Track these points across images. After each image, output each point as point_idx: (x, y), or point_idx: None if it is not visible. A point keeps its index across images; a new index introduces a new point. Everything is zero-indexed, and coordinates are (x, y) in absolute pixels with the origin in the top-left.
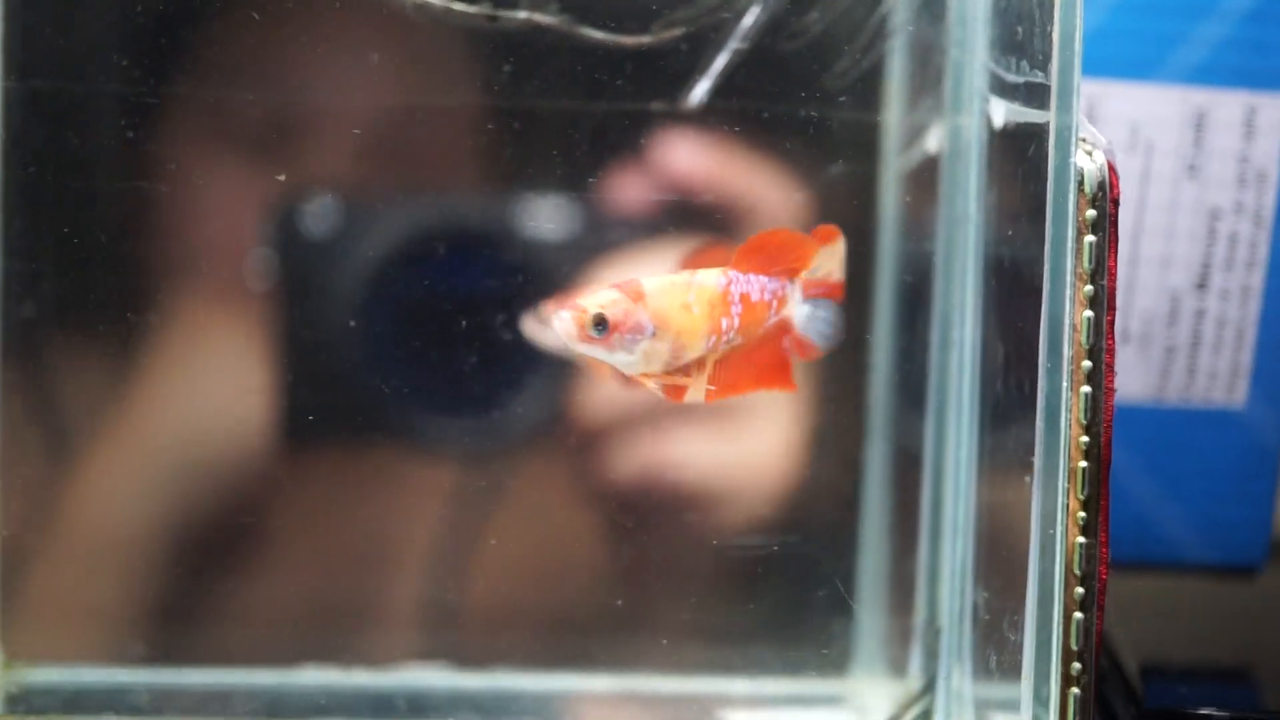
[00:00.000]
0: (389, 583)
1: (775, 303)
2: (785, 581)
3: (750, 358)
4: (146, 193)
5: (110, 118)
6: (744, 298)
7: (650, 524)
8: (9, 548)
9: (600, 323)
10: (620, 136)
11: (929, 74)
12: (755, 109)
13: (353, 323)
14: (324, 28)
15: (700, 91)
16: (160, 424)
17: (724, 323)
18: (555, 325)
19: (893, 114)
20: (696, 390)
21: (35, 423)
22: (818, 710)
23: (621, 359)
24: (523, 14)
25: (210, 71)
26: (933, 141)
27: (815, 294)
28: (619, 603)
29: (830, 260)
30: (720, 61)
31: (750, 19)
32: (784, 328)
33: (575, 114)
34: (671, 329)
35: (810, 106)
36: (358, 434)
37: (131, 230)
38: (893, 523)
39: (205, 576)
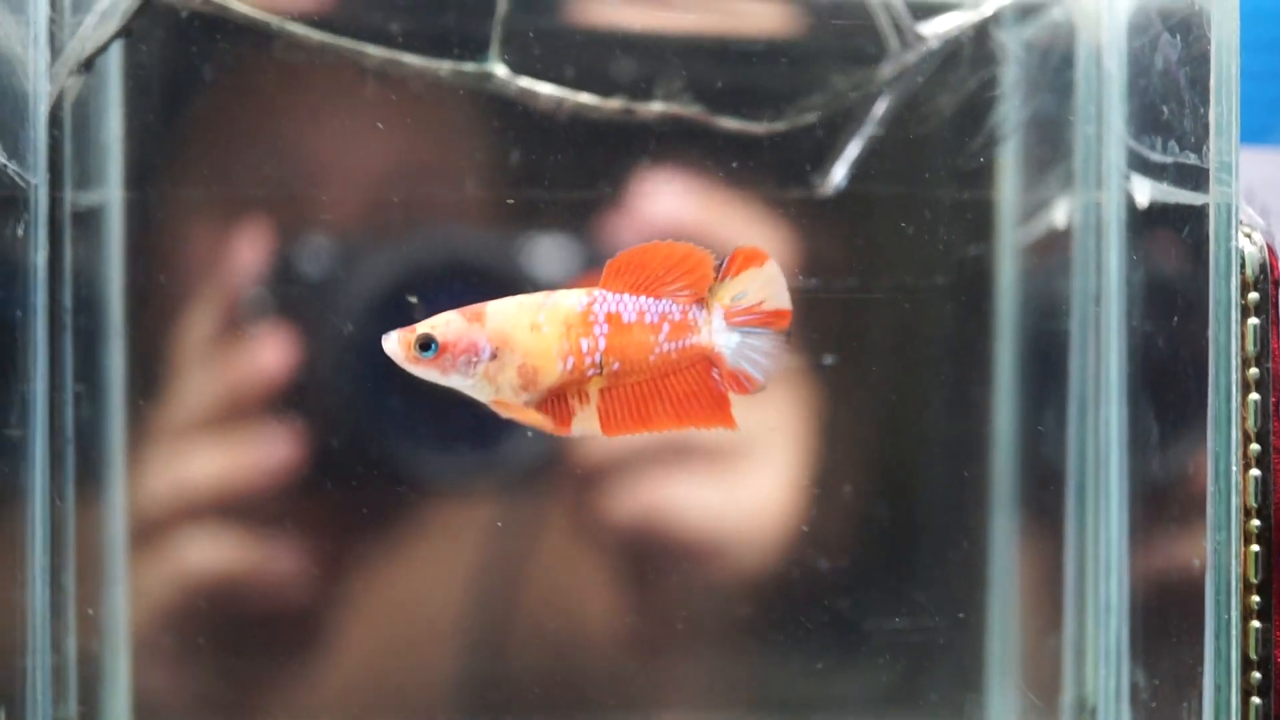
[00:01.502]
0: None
1: (667, 326)
2: (909, 657)
3: (662, 389)
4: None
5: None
6: (612, 318)
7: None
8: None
9: (426, 343)
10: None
11: (1055, 149)
12: (881, 191)
13: None
14: (462, 129)
15: (834, 176)
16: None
17: (584, 344)
18: (385, 347)
19: (1014, 190)
20: (585, 422)
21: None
22: None
23: (459, 382)
24: (658, 105)
25: (345, 174)
26: (1060, 217)
27: (745, 322)
28: (739, 676)
29: (763, 286)
30: (852, 146)
31: (881, 104)
32: (705, 358)
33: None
34: (516, 350)
35: (933, 186)
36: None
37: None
38: (1026, 598)
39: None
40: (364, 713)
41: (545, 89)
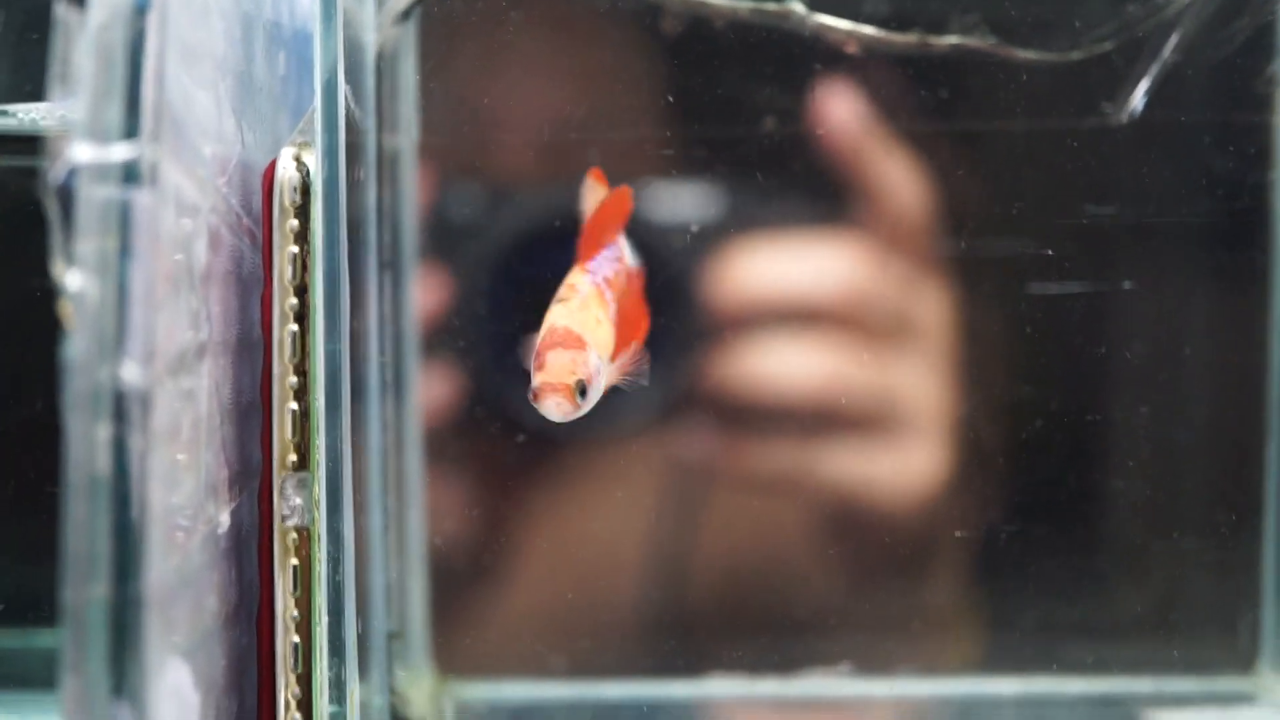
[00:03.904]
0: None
1: (619, 264)
2: (1182, 575)
3: (629, 319)
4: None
5: None
6: (608, 281)
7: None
8: (439, 563)
9: (584, 389)
10: (1048, 156)
11: None
12: (1172, 118)
13: None
14: (768, 66)
15: (1130, 104)
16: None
17: (610, 310)
18: (550, 409)
19: None
20: (616, 373)
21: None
22: (1232, 707)
23: (594, 400)
24: (953, 38)
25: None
26: None
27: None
28: (1024, 606)
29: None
30: (1147, 74)
31: (1176, 30)
32: (637, 276)
33: (1007, 135)
34: (603, 348)
35: (1223, 112)
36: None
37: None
38: None
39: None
40: (553, 631)
41: (841, 24)
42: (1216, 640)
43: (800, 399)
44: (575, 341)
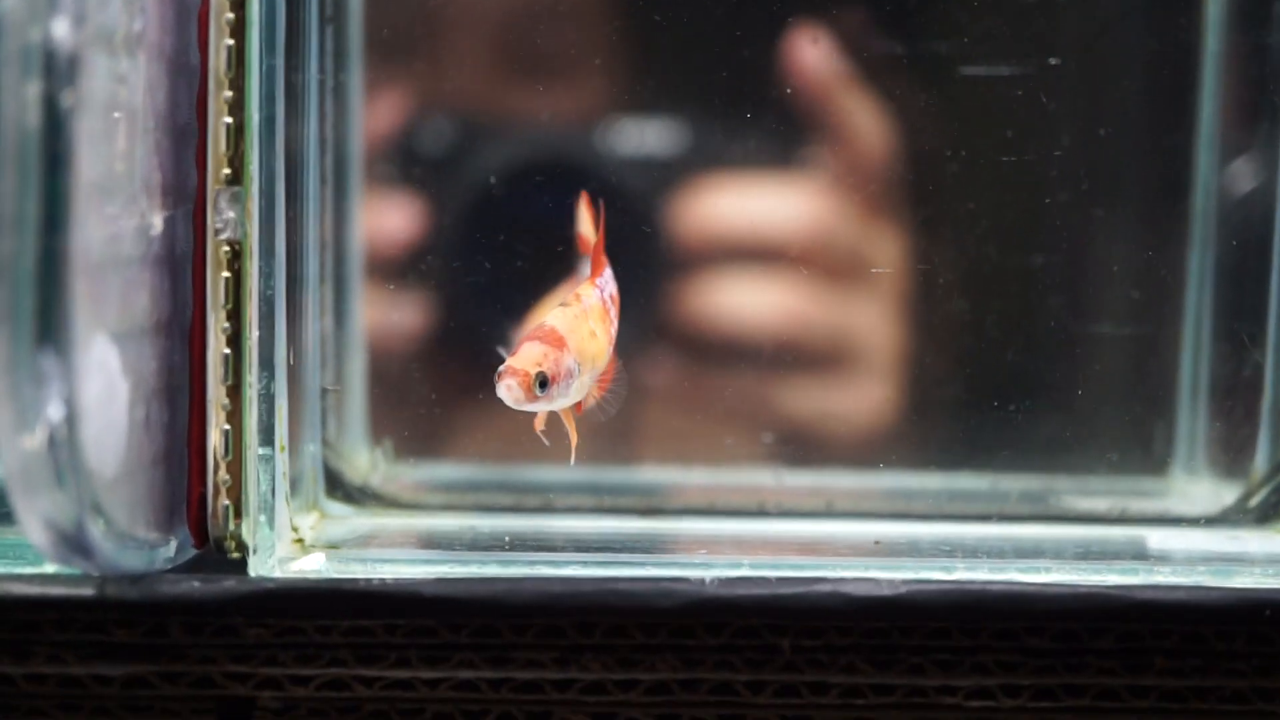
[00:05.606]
0: None
1: (615, 286)
2: (1101, 377)
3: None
4: None
5: None
6: (613, 298)
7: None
8: (377, 348)
9: (544, 382)
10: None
11: None
12: None
13: None
14: None
15: None
16: None
17: (612, 330)
18: (503, 394)
19: None
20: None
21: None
22: (1141, 501)
23: (560, 402)
24: None
25: None
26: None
27: None
28: (943, 401)
29: None
30: None
31: None
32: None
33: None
34: (588, 360)
35: None
36: None
37: None
38: (1220, 327)
39: None
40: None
41: None
42: (1130, 440)
43: (759, 333)
44: (555, 340)
